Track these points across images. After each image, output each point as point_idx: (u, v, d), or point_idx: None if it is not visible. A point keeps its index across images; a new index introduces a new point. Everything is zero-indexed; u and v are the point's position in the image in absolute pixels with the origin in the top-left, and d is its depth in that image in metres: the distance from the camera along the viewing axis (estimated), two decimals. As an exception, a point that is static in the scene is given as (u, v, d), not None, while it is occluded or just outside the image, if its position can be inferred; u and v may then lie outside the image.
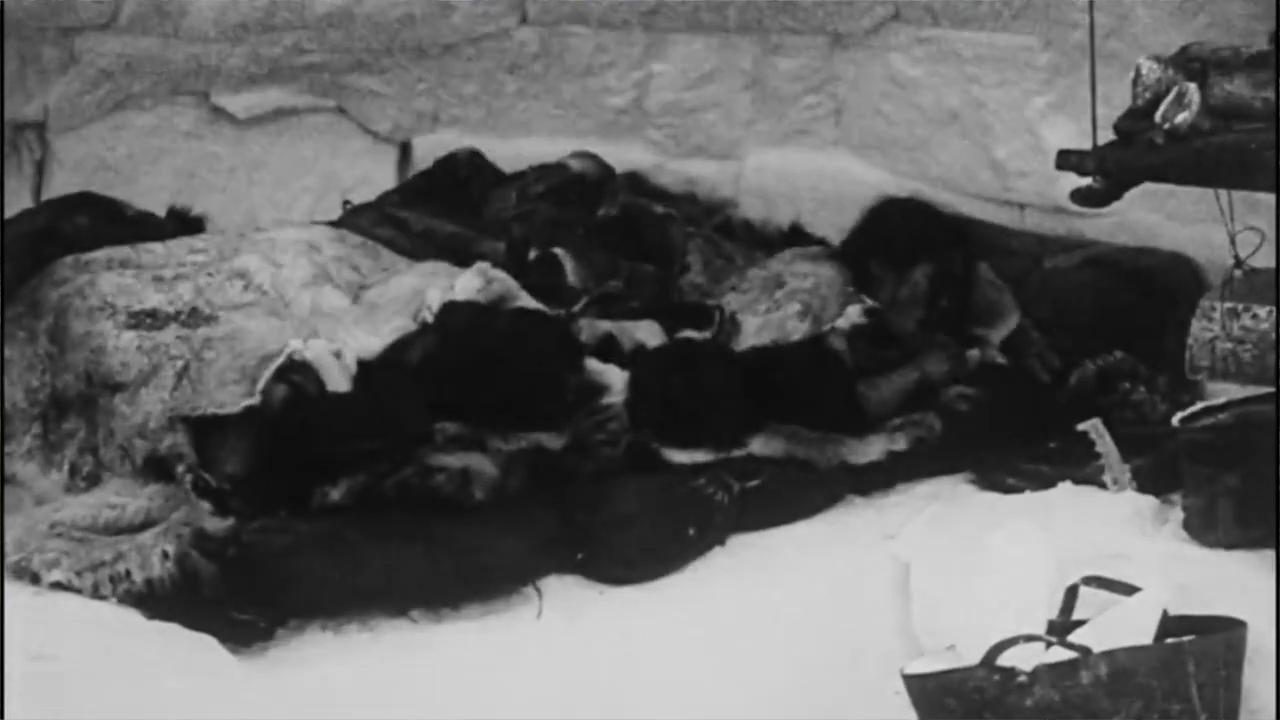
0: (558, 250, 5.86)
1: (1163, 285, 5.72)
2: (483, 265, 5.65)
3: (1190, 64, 4.71)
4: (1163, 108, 4.65)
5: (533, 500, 5.09)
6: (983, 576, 4.42)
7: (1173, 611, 4.29)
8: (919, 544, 4.85)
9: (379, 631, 4.83)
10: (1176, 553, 4.73)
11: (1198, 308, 4.72)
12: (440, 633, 4.82)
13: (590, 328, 5.62)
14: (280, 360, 5.24)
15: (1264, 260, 4.73)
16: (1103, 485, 5.16)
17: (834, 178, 6.32)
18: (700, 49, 6.35)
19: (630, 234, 6.02)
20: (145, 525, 4.99)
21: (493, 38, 6.40)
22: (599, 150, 6.29)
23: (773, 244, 6.17)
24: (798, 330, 5.69)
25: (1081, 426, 5.30)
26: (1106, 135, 4.77)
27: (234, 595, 4.82)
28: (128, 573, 4.84)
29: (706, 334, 5.68)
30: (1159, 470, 5.12)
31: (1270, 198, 4.70)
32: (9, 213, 5.97)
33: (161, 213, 6.19)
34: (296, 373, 5.23)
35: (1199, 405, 4.94)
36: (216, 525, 4.91)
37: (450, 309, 5.48)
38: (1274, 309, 4.63)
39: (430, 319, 5.48)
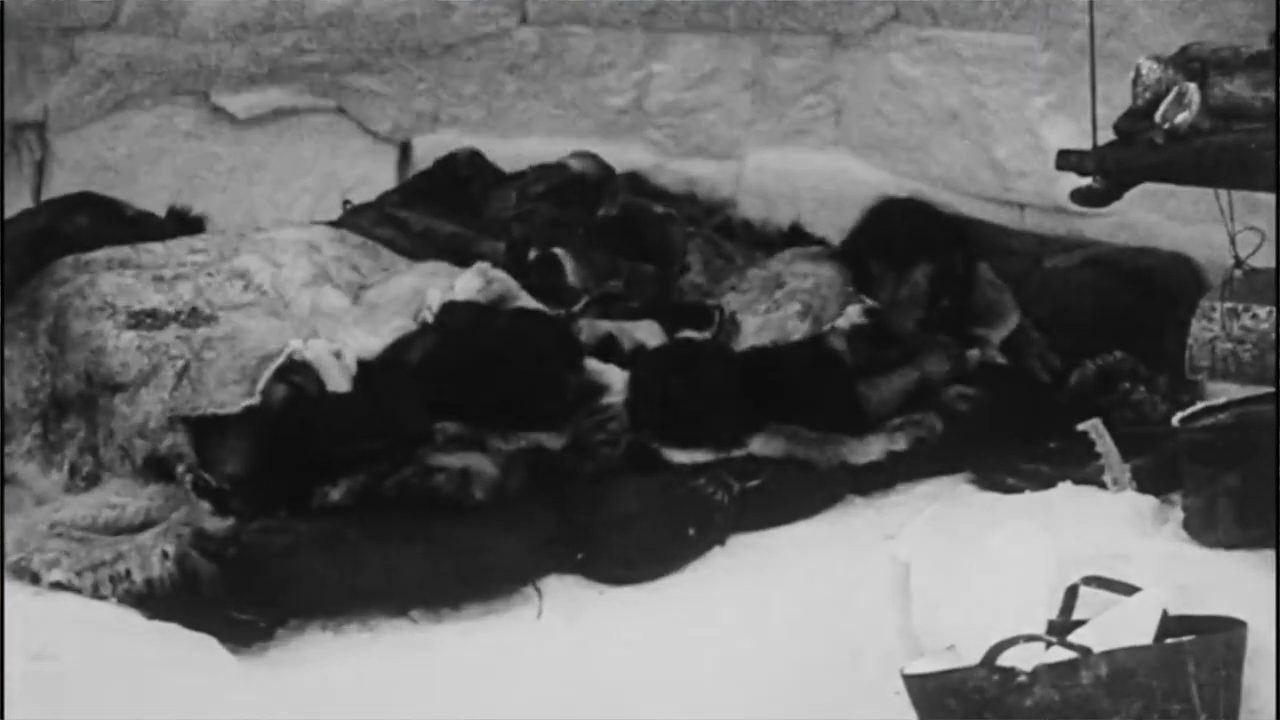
0: (558, 250, 5.86)
1: (1163, 285, 5.72)
2: (483, 265, 5.65)
3: (1190, 64, 4.71)
4: (1163, 108, 4.65)
5: (533, 500, 5.09)
6: (983, 576, 4.42)
7: (1173, 611, 4.29)
8: (919, 544, 4.85)
9: (379, 631, 4.83)
10: (1176, 553, 4.73)
11: (1198, 308, 4.72)
12: (440, 633, 4.82)
13: (590, 328, 5.62)
14: (280, 360, 5.24)
15: (1264, 260, 4.73)
16: (1103, 485, 5.16)
17: (834, 178, 6.32)
18: (700, 49, 6.36)
19: (630, 234, 6.02)
20: (145, 525, 4.99)
21: (493, 38, 6.40)
22: (599, 150, 6.29)
23: (773, 244, 6.17)
24: (798, 330, 5.69)
25: (1081, 426, 5.30)
26: (1106, 135, 4.77)
27: (234, 595, 4.82)
28: (128, 573, 4.84)
29: (706, 334, 5.68)
30: (1159, 470, 5.12)
31: (1270, 198, 4.70)
32: (9, 213, 5.97)
33: (161, 213, 6.18)
34: (296, 373, 5.23)
35: (1199, 405, 4.94)
36: (216, 525, 4.91)
37: (450, 309, 5.48)
38: (1274, 309, 4.63)
39: (430, 319, 5.48)
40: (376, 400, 5.23)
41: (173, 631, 4.73)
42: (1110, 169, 4.74)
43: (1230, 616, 4.28)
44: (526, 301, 5.58)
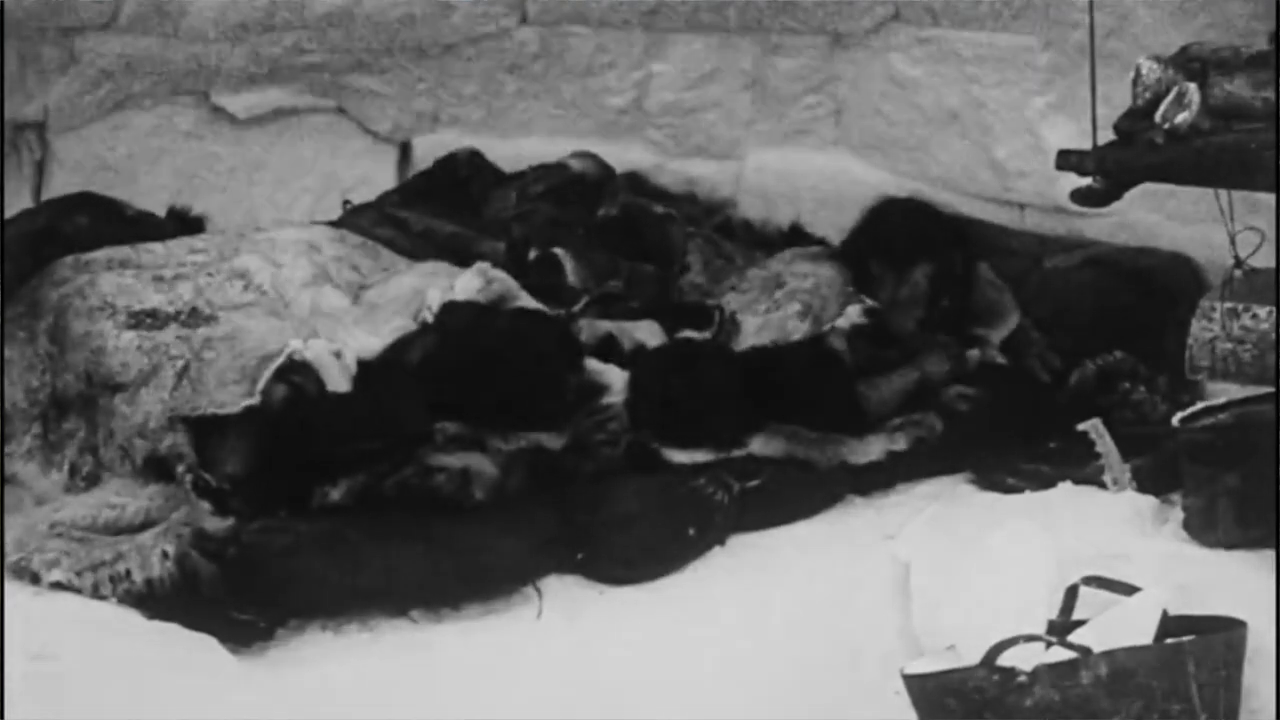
0: (558, 250, 5.86)
1: (1163, 285, 5.72)
2: (483, 265, 5.65)
3: (1190, 64, 4.71)
4: (1163, 108, 4.65)
5: (533, 500, 5.09)
6: (983, 576, 4.42)
7: (1173, 611, 4.29)
8: (919, 544, 4.85)
9: (379, 631, 4.83)
10: (1176, 553, 4.73)
11: (1198, 308, 4.72)
12: (440, 633, 4.82)
13: (590, 328, 5.62)
14: (280, 360, 5.24)
15: (1264, 260, 4.73)
16: (1103, 485, 5.16)
17: (834, 178, 6.32)
18: (700, 49, 6.36)
19: (630, 234, 6.02)
20: (145, 525, 4.99)
21: (493, 38, 6.40)
22: (599, 150, 6.29)
23: (773, 244, 6.17)
24: (798, 330, 5.69)
25: (1081, 426, 5.30)
26: (1106, 135, 4.77)
27: (234, 595, 4.81)
28: (128, 573, 4.84)
29: (706, 334, 5.68)
30: (1159, 470, 5.12)
31: (1270, 198, 4.70)
32: (9, 213, 5.97)
33: (161, 213, 6.18)
34: (296, 373, 5.23)
35: (1199, 405, 4.94)
36: (216, 525, 4.91)
37: (450, 309, 5.48)
38: (1274, 309, 4.63)
39: (430, 319, 5.48)
40: (376, 400, 5.23)
41: (173, 631, 4.73)
42: (1110, 169, 4.74)
43: (1230, 616, 4.28)
44: (526, 301, 5.58)
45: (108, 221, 5.93)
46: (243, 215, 6.41)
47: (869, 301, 5.73)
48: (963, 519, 4.97)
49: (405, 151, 6.61)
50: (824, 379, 5.49)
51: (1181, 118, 4.62)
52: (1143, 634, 4.22)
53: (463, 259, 5.80)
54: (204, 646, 4.69)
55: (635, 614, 4.86)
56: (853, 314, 5.68)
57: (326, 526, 4.93)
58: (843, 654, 4.61)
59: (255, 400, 5.18)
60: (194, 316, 5.42)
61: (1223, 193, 4.69)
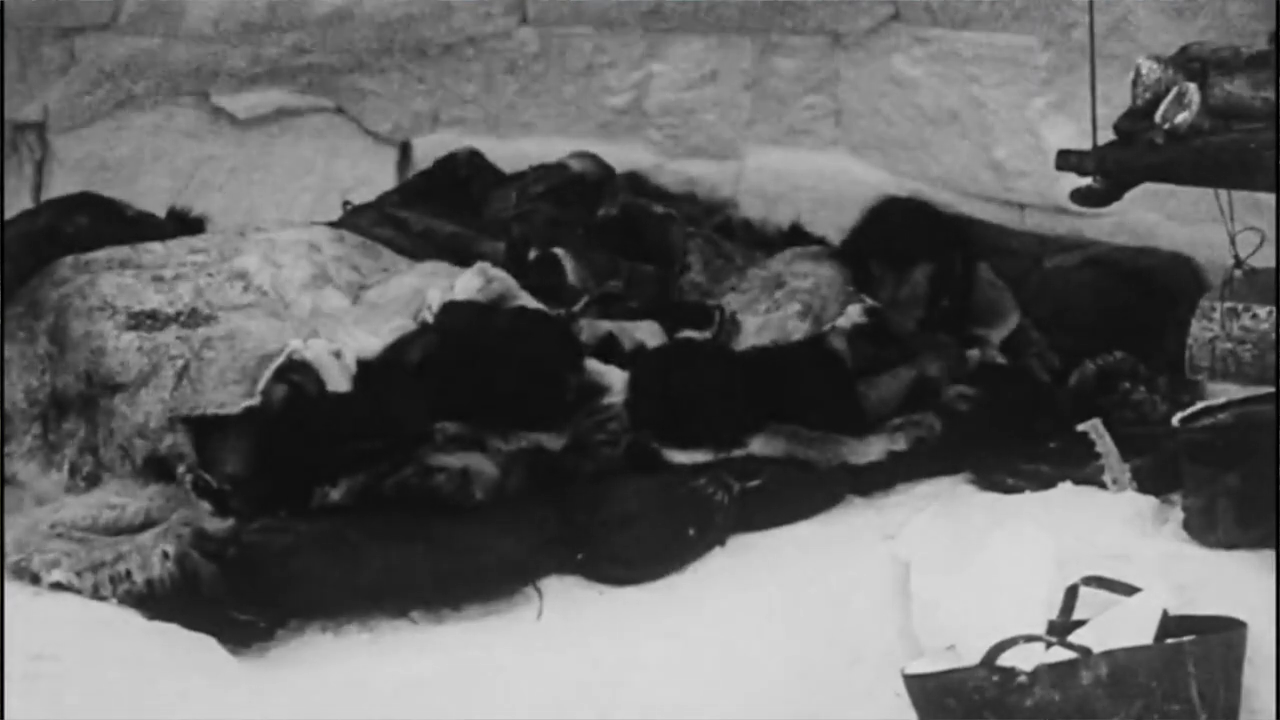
0: (558, 250, 5.86)
1: (1163, 285, 5.72)
2: (483, 265, 5.65)
3: (1190, 64, 4.71)
4: (1163, 108, 4.65)
5: (533, 500, 5.09)
6: (983, 576, 4.42)
7: (1173, 611, 4.29)
8: (919, 544, 4.84)
9: (379, 632, 4.83)
10: (1176, 553, 4.73)
11: (1198, 308, 4.72)
12: (440, 633, 4.82)
13: (590, 328, 5.62)
14: (280, 360, 5.24)
15: (1264, 260, 4.73)
16: (1103, 485, 5.16)
17: (834, 178, 6.32)
18: (700, 49, 6.36)
19: (630, 234, 6.02)
20: (145, 525, 4.99)
21: (493, 38, 6.40)
22: (599, 150, 6.29)
23: (773, 244, 6.17)
24: (798, 330, 5.69)
25: (1081, 426, 5.30)
26: (1106, 135, 4.77)
27: (234, 595, 4.81)
28: (128, 573, 4.84)
29: (706, 334, 5.68)
30: (1159, 470, 5.12)
31: (1270, 198, 4.70)
32: (9, 213, 5.97)
33: (161, 213, 6.18)
34: (296, 373, 5.23)
35: (1199, 405, 4.93)
36: (216, 525, 4.91)
37: (450, 309, 5.48)
38: (1274, 309, 4.63)
39: (430, 319, 5.47)
40: (376, 400, 5.23)
41: (173, 631, 4.72)
42: (1110, 169, 4.74)
43: (1230, 616, 4.28)
44: (526, 301, 5.58)
45: (108, 222, 5.93)
46: (243, 216, 6.41)
47: (869, 301, 5.73)
48: (963, 519, 4.97)
49: (405, 152, 6.61)
50: (824, 379, 5.49)
51: (1181, 118, 4.62)
52: (1143, 634, 4.22)
53: (463, 259, 5.80)
54: (204, 647, 4.69)
55: (635, 614, 4.86)
56: (853, 314, 5.67)
57: (326, 527, 4.93)
58: (843, 654, 4.61)
59: (255, 400, 5.18)
60: (194, 317, 5.42)
61: (1223, 193, 4.69)
